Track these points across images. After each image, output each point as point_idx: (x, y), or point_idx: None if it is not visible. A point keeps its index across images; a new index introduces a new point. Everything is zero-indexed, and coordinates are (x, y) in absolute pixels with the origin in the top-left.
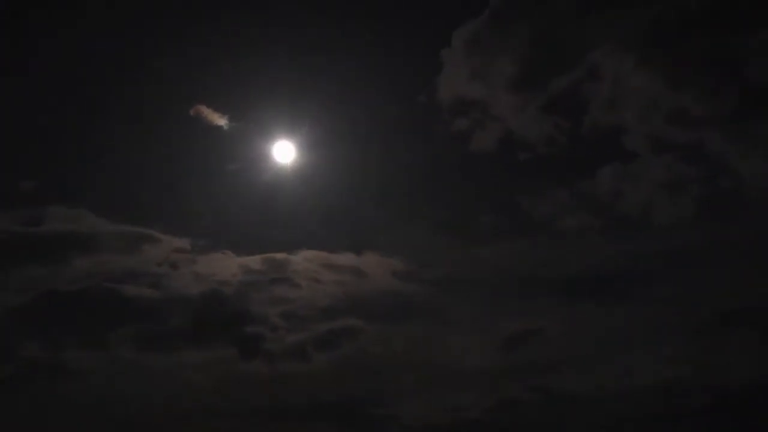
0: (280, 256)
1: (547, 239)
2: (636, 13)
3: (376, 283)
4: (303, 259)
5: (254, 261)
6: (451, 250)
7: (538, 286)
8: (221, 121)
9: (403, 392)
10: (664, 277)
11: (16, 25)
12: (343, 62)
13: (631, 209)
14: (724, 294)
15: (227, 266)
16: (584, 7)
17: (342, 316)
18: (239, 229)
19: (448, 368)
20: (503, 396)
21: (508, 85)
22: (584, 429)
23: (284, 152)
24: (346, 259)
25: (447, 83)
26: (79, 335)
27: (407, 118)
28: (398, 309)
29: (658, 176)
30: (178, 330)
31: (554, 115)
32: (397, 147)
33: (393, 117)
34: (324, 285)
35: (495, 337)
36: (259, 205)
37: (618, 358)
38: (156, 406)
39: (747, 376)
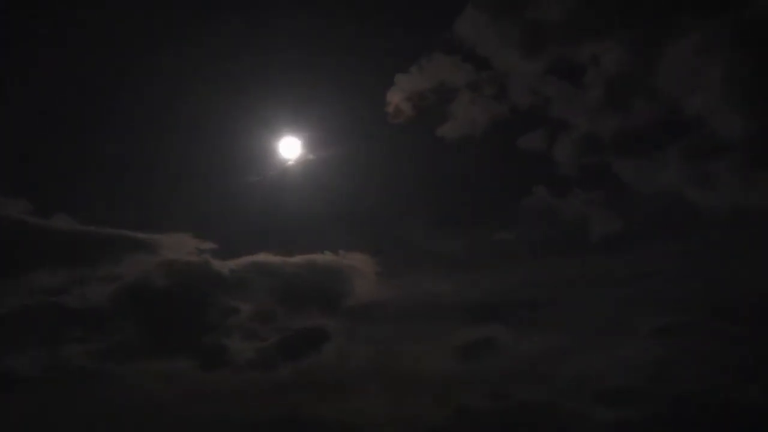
0: (258, 257)
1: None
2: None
3: (362, 287)
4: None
5: (237, 263)
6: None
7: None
8: None
9: (364, 401)
10: (597, 295)
11: None
12: (350, 57)
13: (560, 233)
14: (656, 308)
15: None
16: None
17: (316, 321)
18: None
19: (407, 377)
20: (462, 403)
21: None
22: None
23: (290, 148)
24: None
25: None
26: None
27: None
28: (371, 315)
29: (586, 201)
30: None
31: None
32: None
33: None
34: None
35: (450, 346)
36: (259, 203)
37: (569, 368)
38: (112, 417)
39: (698, 386)
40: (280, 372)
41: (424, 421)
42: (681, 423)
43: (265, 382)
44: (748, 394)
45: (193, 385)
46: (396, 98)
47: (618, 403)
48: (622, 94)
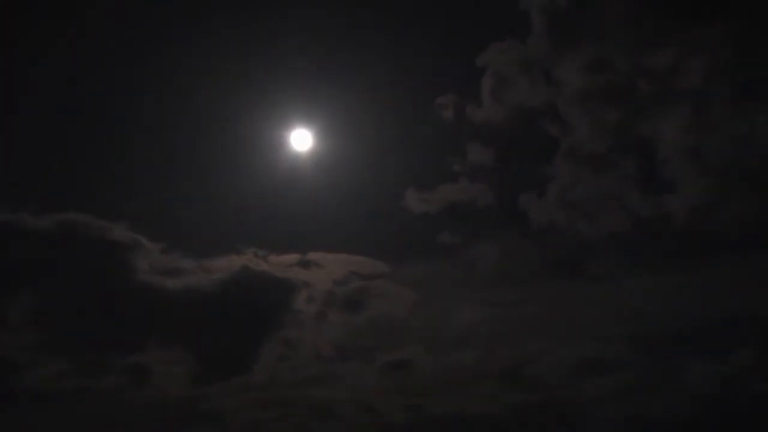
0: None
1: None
2: None
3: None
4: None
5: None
6: None
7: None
8: None
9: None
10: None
11: None
12: (361, 49)
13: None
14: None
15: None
16: None
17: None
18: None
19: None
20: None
21: None
22: None
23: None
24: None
25: None
26: None
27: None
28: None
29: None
30: None
31: None
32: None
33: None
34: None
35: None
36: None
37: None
38: None
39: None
40: (210, 390)
41: None
42: None
43: (194, 400)
44: (653, 408)
45: (119, 404)
46: None
47: (529, 415)
48: None
